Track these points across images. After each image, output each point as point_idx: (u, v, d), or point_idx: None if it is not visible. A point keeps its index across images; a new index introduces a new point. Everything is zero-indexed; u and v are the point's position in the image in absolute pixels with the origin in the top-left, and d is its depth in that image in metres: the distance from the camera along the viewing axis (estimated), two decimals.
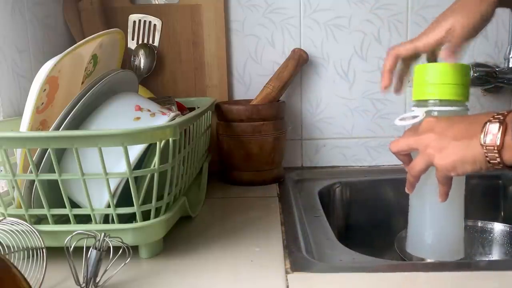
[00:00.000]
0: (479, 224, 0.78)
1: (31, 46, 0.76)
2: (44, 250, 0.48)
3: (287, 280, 0.47)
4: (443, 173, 0.49)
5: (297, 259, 0.52)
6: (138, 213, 0.50)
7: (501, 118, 0.44)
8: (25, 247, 0.49)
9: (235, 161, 0.83)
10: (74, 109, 0.51)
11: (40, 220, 0.55)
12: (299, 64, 0.89)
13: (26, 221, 0.50)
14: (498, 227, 0.76)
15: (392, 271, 0.49)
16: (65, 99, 0.57)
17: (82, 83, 0.62)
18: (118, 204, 0.50)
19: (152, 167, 0.50)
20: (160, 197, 0.52)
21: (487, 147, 0.44)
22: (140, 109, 0.55)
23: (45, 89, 0.53)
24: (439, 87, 0.55)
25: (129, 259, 0.46)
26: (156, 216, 0.52)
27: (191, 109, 0.77)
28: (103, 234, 0.46)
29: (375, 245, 0.82)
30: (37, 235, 0.49)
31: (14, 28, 0.71)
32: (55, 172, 0.48)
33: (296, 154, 0.97)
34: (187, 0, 0.90)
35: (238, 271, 0.50)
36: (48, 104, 0.56)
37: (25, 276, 0.37)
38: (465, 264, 0.60)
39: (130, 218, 0.53)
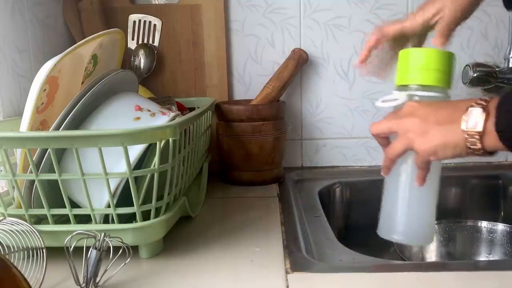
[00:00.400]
0: (479, 224, 0.78)
1: (31, 46, 0.76)
2: (44, 250, 0.48)
3: (287, 280, 0.47)
4: (423, 157, 0.49)
5: (297, 259, 0.52)
6: (138, 213, 0.50)
7: (484, 104, 0.44)
8: (25, 247, 0.49)
9: (235, 161, 0.83)
10: (74, 109, 0.51)
11: (40, 220, 0.54)
12: (299, 64, 0.89)
13: (26, 221, 0.50)
14: (498, 227, 0.76)
15: (392, 271, 0.49)
16: (65, 99, 0.57)
17: (82, 83, 0.62)
18: (118, 204, 0.50)
19: (152, 167, 0.50)
20: (160, 197, 0.52)
21: (468, 133, 0.44)
22: (140, 109, 0.55)
23: (45, 89, 0.53)
24: (422, 73, 0.55)
25: (129, 259, 0.46)
26: (156, 216, 0.52)
27: (191, 109, 0.77)
28: (103, 234, 0.46)
29: (375, 245, 0.81)
30: (37, 235, 0.49)
31: (14, 28, 0.71)
32: (55, 172, 0.48)
33: (296, 154, 0.97)
34: (187, 0, 0.90)
35: (238, 271, 0.50)
36: (48, 104, 0.56)
37: (25, 276, 0.37)
38: (465, 264, 0.60)
39: (130, 218, 0.53)
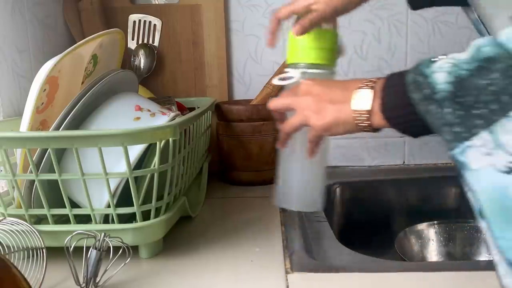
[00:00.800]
0: (479, 224, 0.78)
1: (31, 46, 0.76)
2: (44, 250, 0.48)
3: (287, 280, 0.47)
4: (317, 133, 0.52)
5: (297, 259, 0.52)
6: (138, 213, 0.50)
7: (372, 84, 0.47)
8: (25, 247, 0.49)
9: (235, 161, 0.83)
10: (74, 109, 0.51)
11: (40, 220, 0.54)
12: None
13: (26, 221, 0.50)
14: None
15: (392, 271, 0.49)
16: (65, 99, 0.57)
17: (82, 83, 0.62)
18: (118, 204, 0.50)
19: (152, 167, 0.50)
20: (160, 197, 0.52)
21: (357, 112, 0.47)
22: (140, 109, 0.55)
23: (45, 89, 0.53)
24: (306, 51, 0.59)
25: (129, 259, 0.46)
26: (156, 216, 0.52)
27: (191, 109, 0.77)
28: (103, 234, 0.46)
29: (375, 245, 0.81)
30: (37, 235, 0.49)
31: (14, 28, 0.71)
32: (55, 172, 0.48)
33: None
34: (187, 0, 0.90)
35: (238, 271, 0.50)
36: (48, 104, 0.56)
37: (25, 276, 0.37)
38: (465, 264, 0.60)
39: (130, 218, 0.53)
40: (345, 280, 0.48)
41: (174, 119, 0.55)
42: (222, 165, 0.87)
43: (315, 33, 0.59)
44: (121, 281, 0.48)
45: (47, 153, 0.49)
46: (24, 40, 0.74)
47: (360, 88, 0.47)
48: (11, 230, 0.48)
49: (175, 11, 0.91)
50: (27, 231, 0.49)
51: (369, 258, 0.55)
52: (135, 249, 0.51)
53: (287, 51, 0.62)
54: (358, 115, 0.48)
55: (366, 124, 0.48)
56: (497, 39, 0.36)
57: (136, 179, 0.50)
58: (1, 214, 0.52)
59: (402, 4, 0.92)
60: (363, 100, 0.47)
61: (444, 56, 0.40)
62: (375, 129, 0.48)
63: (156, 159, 0.50)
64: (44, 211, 0.50)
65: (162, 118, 0.55)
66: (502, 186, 0.36)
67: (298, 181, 0.60)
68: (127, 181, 0.49)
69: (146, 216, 0.51)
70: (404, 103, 0.43)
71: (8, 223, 0.49)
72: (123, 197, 0.52)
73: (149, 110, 0.55)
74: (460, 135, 0.37)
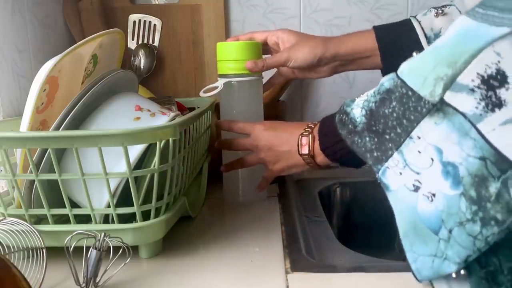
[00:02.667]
0: None
1: (31, 46, 0.76)
2: (44, 250, 0.48)
3: (287, 280, 0.47)
4: (274, 174, 0.64)
5: (297, 259, 0.52)
6: (138, 213, 0.50)
7: (310, 130, 0.57)
8: (25, 247, 0.49)
9: None
10: (74, 109, 0.50)
11: (40, 220, 0.54)
12: None
13: (26, 221, 0.50)
14: None
15: (392, 271, 0.49)
16: (65, 99, 0.57)
17: (82, 83, 0.62)
18: (118, 204, 0.50)
19: (152, 167, 0.50)
20: (160, 197, 0.52)
21: (303, 155, 0.57)
22: (140, 109, 0.55)
23: (45, 89, 0.53)
24: (233, 63, 0.67)
25: (129, 259, 0.46)
26: (156, 216, 0.52)
27: (191, 109, 0.77)
28: (103, 234, 0.46)
29: (375, 245, 0.81)
30: (37, 235, 0.49)
31: (14, 28, 0.71)
32: (55, 172, 0.48)
33: None
34: (187, 0, 0.90)
35: (238, 271, 0.50)
36: (48, 104, 0.56)
37: (25, 276, 0.37)
38: None
39: (130, 218, 0.53)
40: (345, 280, 0.48)
41: (174, 119, 0.55)
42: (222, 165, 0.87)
43: (241, 45, 0.67)
44: (121, 281, 0.48)
45: (47, 153, 0.49)
46: (24, 40, 0.74)
47: (301, 135, 0.57)
48: (11, 230, 0.48)
49: (175, 11, 0.91)
50: (27, 231, 0.49)
51: (369, 258, 0.55)
52: (135, 249, 0.51)
53: (217, 63, 0.70)
54: (306, 158, 0.57)
55: (313, 164, 0.58)
56: (396, 72, 0.41)
57: (136, 179, 0.50)
58: (1, 214, 0.52)
59: (402, 4, 0.93)
60: (305, 146, 0.57)
61: (362, 95, 0.46)
62: (324, 167, 0.58)
63: (156, 159, 0.50)
64: (44, 211, 0.50)
65: (162, 118, 0.55)
66: (412, 205, 0.39)
67: (242, 176, 0.72)
68: (127, 181, 0.49)
69: (146, 216, 0.51)
70: (336, 140, 0.51)
71: (8, 223, 0.49)
72: (123, 197, 0.52)
73: (149, 110, 0.55)
74: (378, 158, 0.43)
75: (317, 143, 0.55)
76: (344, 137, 0.47)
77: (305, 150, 0.56)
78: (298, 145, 0.57)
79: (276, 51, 0.72)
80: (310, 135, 0.56)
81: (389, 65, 0.67)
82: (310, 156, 0.56)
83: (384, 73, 0.68)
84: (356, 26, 0.92)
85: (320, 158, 0.56)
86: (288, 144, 0.59)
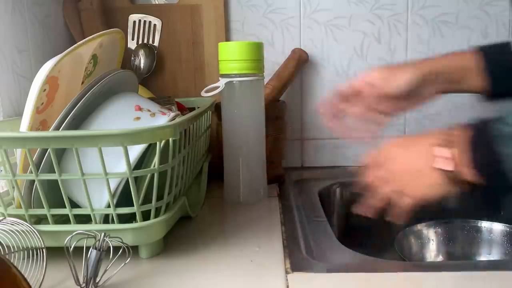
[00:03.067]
0: (479, 224, 0.78)
1: (31, 46, 0.76)
2: (44, 250, 0.48)
3: (287, 280, 0.47)
4: (415, 201, 0.54)
5: (297, 259, 0.52)
6: (138, 213, 0.50)
7: (449, 140, 0.48)
8: (25, 247, 0.49)
9: None
10: (74, 109, 0.51)
11: (40, 220, 0.54)
12: (299, 64, 0.89)
13: (26, 221, 0.50)
14: (498, 227, 0.76)
15: (392, 271, 0.49)
16: (65, 99, 0.57)
17: (82, 83, 0.62)
18: (118, 204, 0.50)
19: (152, 167, 0.50)
20: (160, 197, 0.52)
21: (443, 170, 0.48)
22: (140, 109, 0.55)
23: (45, 89, 0.53)
24: (235, 63, 0.68)
25: (129, 259, 0.46)
26: (156, 216, 0.52)
27: (191, 109, 0.77)
28: (103, 234, 0.46)
29: (375, 245, 0.81)
30: (37, 235, 0.49)
31: (14, 28, 0.71)
32: (55, 172, 0.48)
33: (296, 154, 0.97)
34: (187, 0, 0.90)
35: (238, 271, 0.50)
36: (48, 104, 0.56)
37: (25, 276, 0.37)
38: (465, 264, 0.60)
39: (130, 218, 0.53)
40: (345, 280, 0.48)
41: (174, 119, 0.55)
42: (222, 165, 0.87)
43: (242, 45, 0.68)
44: (121, 281, 0.48)
45: (47, 153, 0.49)
46: (24, 40, 0.74)
47: (438, 145, 0.48)
48: (11, 230, 0.48)
49: (175, 11, 0.91)
50: (27, 231, 0.49)
51: (369, 258, 0.55)
52: (135, 249, 0.51)
53: (219, 63, 0.70)
54: (446, 172, 0.48)
55: (459, 179, 0.48)
56: None
57: (136, 179, 0.50)
58: (1, 214, 0.52)
59: (402, 4, 0.93)
60: (445, 161, 0.47)
61: None
62: (470, 183, 0.47)
63: (156, 159, 0.50)
64: (44, 211, 0.50)
65: (162, 118, 0.55)
66: None
67: (243, 179, 0.73)
68: (127, 181, 0.49)
69: (146, 216, 0.51)
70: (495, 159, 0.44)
71: (8, 223, 0.49)
72: (123, 197, 0.52)
73: (149, 110, 0.55)
74: None
75: (465, 157, 0.47)
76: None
77: (444, 166, 0.49)
78: (435, 159, 0.49)
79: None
80: (450, 146, 0.49)
81: (499, 87, 0.61)
82: (454, 169, 0.48)
83: (490, 95, 0.62)
84: (356, 26, 0.92)
85: (469, 174, 0.47)
86: (419, 160, 0.52)
